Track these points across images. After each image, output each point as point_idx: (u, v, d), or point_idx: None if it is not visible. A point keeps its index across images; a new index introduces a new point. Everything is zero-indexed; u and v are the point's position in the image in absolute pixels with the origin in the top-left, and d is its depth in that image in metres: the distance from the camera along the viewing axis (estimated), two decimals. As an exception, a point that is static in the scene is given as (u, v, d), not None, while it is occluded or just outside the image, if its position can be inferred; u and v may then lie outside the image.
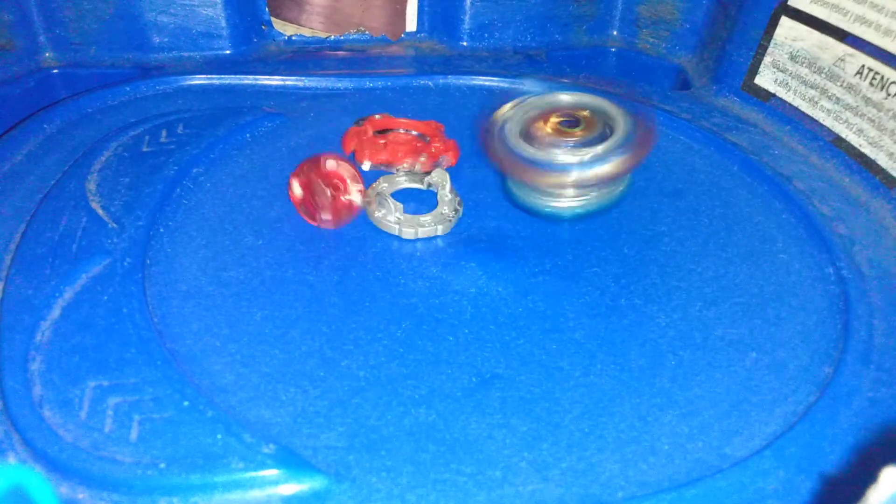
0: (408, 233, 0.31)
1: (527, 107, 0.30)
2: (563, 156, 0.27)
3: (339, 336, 0.27)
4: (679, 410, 0.24)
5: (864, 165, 0.35)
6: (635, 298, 0.29)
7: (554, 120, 0.29)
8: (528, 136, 0.28)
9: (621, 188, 0.29)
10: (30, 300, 0.26)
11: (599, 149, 0.27)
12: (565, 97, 0.30)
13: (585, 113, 0.30)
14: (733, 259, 0.31)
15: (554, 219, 0.30)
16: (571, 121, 0.29)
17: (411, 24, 0.47)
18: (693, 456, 0.23)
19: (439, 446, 0.23)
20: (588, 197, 0.29)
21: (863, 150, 0.35)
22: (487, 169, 0.36)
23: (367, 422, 0.23)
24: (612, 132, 0.28)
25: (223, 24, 0.43)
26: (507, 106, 0.30)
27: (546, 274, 0.30)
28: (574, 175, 0.27)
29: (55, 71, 0.43)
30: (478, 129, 0.30)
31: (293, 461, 0.21)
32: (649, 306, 0.29)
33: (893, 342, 0.27)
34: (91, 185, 0.31)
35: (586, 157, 0.27)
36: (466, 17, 0.46)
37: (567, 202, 0.28)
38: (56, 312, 0.25)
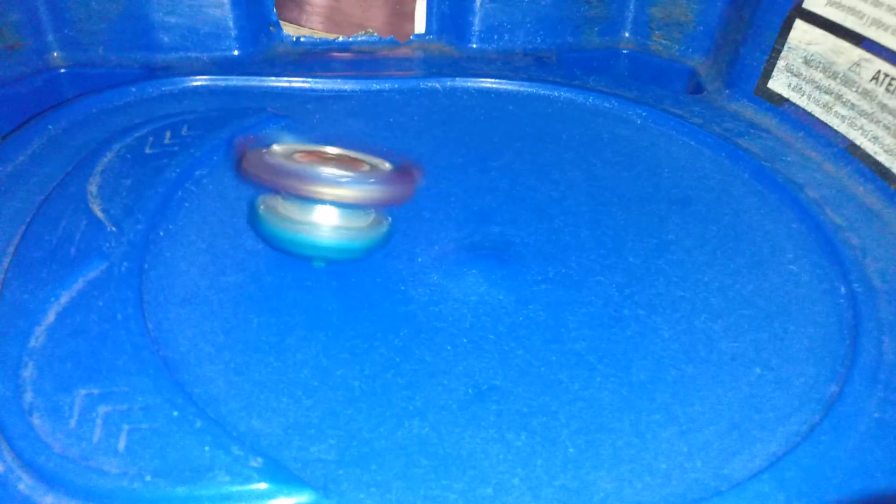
0: None
1: (292, 146, 0.29)
2: (323, 168, 0.26)
3: (336, 344, 0.26)
4: (678, 427, 0.24)
5: (879, 174, 0.34)
6: (639, 309, 0.28)
7: (319, 155, 0.29)
8: (291, 158, 0.27)
9: (375, 233, 0.28)
10: (25, 304, 0.25)
11: (359, 174, 0.27)
12: (332, 149, 0.29)
13: (349, 158, 0.29)
14: (741, 269, 0.30)
15: (308, 254, 0.28)
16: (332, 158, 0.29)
17: (420, 26, 0.47)
18: (691, 476, 0.22)
19: (431, 461, 0.22)
20: (344, 230, 0.27)
21: (878, 157, 0.35)
22: (494, 173, 0.35)
23: (359, 434, 0.23)
24: (373, 168, 0.28)
25: (231, 24, 0.43)
26: (273, 145, 0.29)
27: (549, 282, 0.30)
28: (330, 189, 0.26)
29: (63, 70, 0.43)
30: (235, 150, 0.30)
31: (281, 475, 0.21)
32: (653, 317, 0.28)
33: (903, 360, 0.26)
34: (92, 188, 0.31)
35: (345, 176, 0.26)
36: (476, 19, 0.46)
37: (322, 232, 0.27)
38: (51, 317, 0.25)
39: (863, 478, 0.22)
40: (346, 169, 0.27)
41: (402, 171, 0.28)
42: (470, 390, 0.25)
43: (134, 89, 0.39)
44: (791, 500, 0.21)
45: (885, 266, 0.30)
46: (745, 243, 0.32)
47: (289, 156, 0.28)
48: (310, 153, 0.29)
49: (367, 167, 0.28)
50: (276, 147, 0.28)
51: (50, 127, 0.36)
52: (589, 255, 0.31)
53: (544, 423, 0.24)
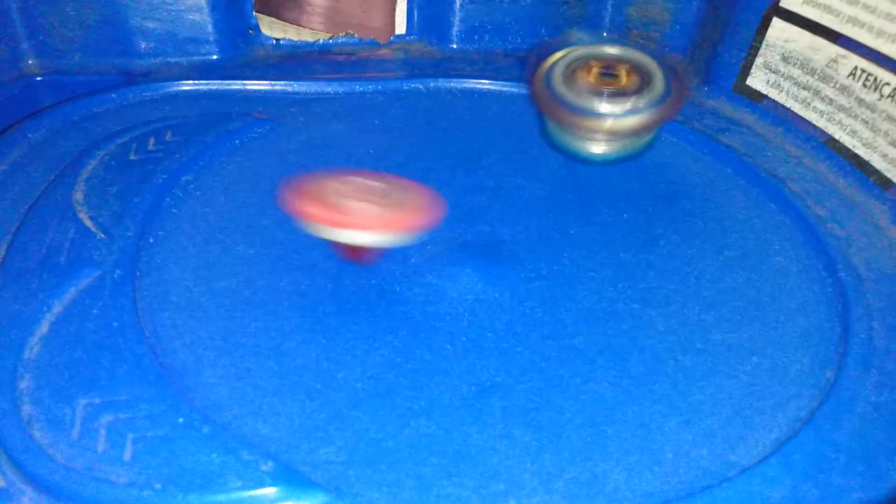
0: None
1: (572, 56, 0.33)
2: (600, 104, 0.30)
3: (336, 346, 0.26)
4: (681, 417, 0.24)
5: (858, 167, 0.35)
6: (633, 303, 0.29)
7: (595, 70, 0.32)
8: (570, 82, 0.31)
9: (649, 137, 0.32)
10: (18, 315, 0.25)
11: (634, 101, 0.30)
12: (610, 49, 0.33)
13: (626, 65, 0.32)
14: (730, 262, 0.31)
15: (587, 161, 0.33)
16: (611, 72, 0.32)
17: (401, 27, 0.47)
18: (698, 464, 0.22)
19: (441, 459, 0.22)
20: (619, 143, 0.32)
21: (856, 151, 0.35)
22: (482, 172, 0.36)
23: (366, 434, 0.23)
24: (648, 85, 0.31)
25: (210, 28, 0.43)
26: (556, 55, 0.33)
27: (543, 279, 0.30)
28: (609, 123, 0.30)
29: (39, 78, 0.42)
30: (529, 76, 0.34)
31: (292, 478, 0.21)
32: (648, 311, 0.28)
33: (893, 345, 0.27)
34: (78, 196, 0.31)
35: (622, 109, 0.30)
36: (456, 20, 0.46)
37: (599, 147, 0.32)
38: (45, 328, 0.25)
39: (865, 459, 0.22)
40: (619, 97, 0.30)
41: (675, 86, 0.31)
42: (473, 388, 0.25)
43: (114, 95, 0.38)
44: (798, 484, 0.21)
45: (869, 255, 0.31)
46: (732, 236, 0.32)
47: (570, 73, 0.31)
48: (588, 65, 0.32)
49: (637, 81, 0.31)
50: (554, 59, 0.32)
51: (29, 135, 0.35)
52: (580, 251, 0.31)
53: (549, 417, 0.24)
